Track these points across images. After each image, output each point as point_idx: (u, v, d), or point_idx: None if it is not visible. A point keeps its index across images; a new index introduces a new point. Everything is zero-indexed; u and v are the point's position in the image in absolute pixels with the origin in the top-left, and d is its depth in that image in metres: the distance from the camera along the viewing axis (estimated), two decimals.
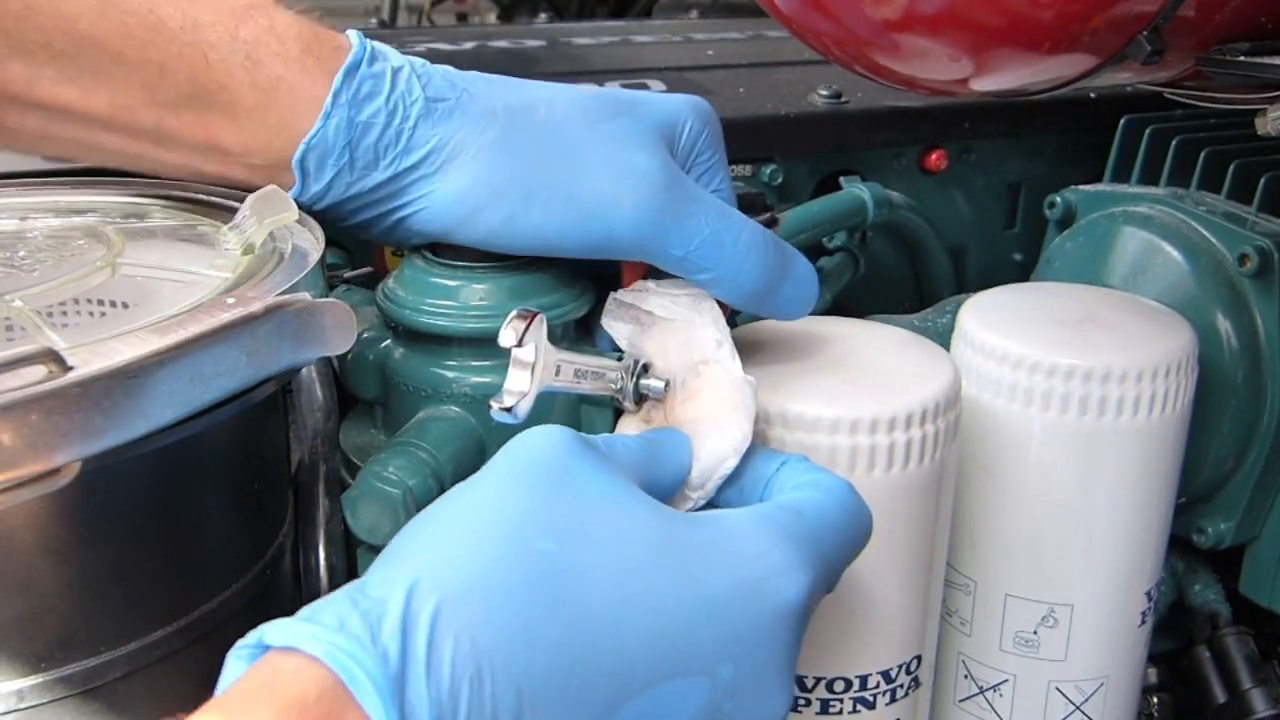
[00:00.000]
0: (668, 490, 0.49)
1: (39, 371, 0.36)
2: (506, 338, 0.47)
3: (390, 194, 0.53)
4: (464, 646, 0.35)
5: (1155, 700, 0.85)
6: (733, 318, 0.61)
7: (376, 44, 0.54)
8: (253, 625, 0.36)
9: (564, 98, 0.55)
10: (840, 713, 0.58)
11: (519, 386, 0.48)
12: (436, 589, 0.36)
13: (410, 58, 0.54)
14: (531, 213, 0.52)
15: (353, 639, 0.34)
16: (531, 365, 0.48)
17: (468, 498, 0.41)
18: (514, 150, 0.52)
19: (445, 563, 0.37)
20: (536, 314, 0.48)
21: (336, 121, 0.51)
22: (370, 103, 0.52)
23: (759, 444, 0.51)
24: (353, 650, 0.34)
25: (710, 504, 0.50)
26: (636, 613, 0.39)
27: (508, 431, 0.56)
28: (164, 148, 0.53)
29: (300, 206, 0.54)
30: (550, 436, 0.43)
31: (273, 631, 0.35)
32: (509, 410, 0.48)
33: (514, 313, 0.48)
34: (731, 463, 0.49)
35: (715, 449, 0.49)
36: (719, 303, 0.54)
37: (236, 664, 0.35)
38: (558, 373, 0.49)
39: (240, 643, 0.35)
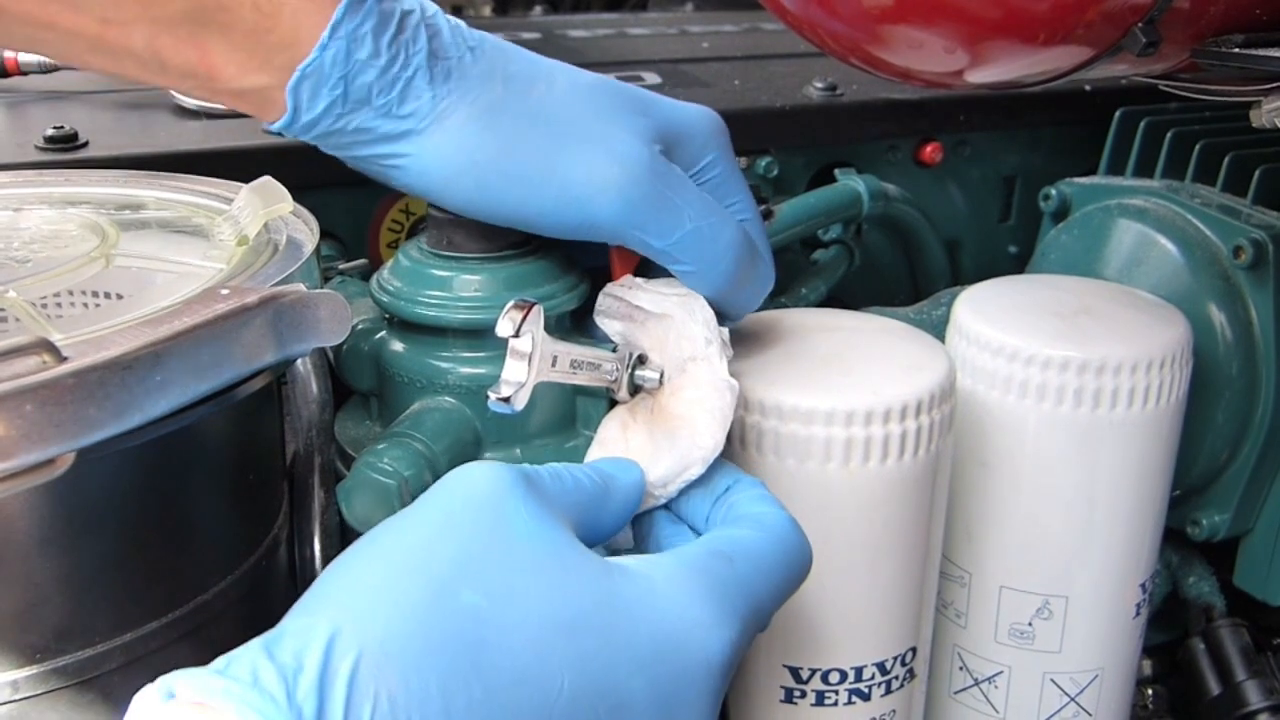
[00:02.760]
0: (613, 527, 0.48)
1: (33, 362, 0.36)
2: (504, 328, 0.47)
3: (375, 139, 0.52)
4: (383, 708, 0.34)
5: (1150, 692, 0.85)
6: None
7: None
8: (248, 617, 0.36)
9: (566, 78, 0.54)
10: (835, 704, 0.58)
11: (516, 377, 0.48)
12: (357, 643, 0.34)
13: (423, 1, 0.53)
14: (509, 188, 0.52)
15: (266, 697, 0.32)
16: (529, 356, 0.48)
17: (397, 539, 0.39)
18: (501, 123, 0.52)
19: (367, 614, 0.36)
20: (534, 304, 0.48)
21: (334, 53, 0.49)
22: (370, 41, 0.50)
23: (720, 457, 0.51)
24: (266, 710, 0.32)
25: (665, 504, 0.51)
26: (561, 672, 0.38)
27: (503, 422, 0.56)
28: (150, 70, 0.51)
29: (287, 134, 0.52)
30: (489, 476, 0.41)
31: (182, 683, 0.33)
32: (506, 400, 0.48)
33: (511, 303, 0.48)
34: (696, 470, 0.49)
35: (685, 454, 0.49)
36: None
37: (144, 707, 0.33)
38: (554, 363, 0.49)
39: (149, 687, 0.33)
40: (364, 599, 0.36)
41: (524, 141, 0.52)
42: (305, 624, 0.35)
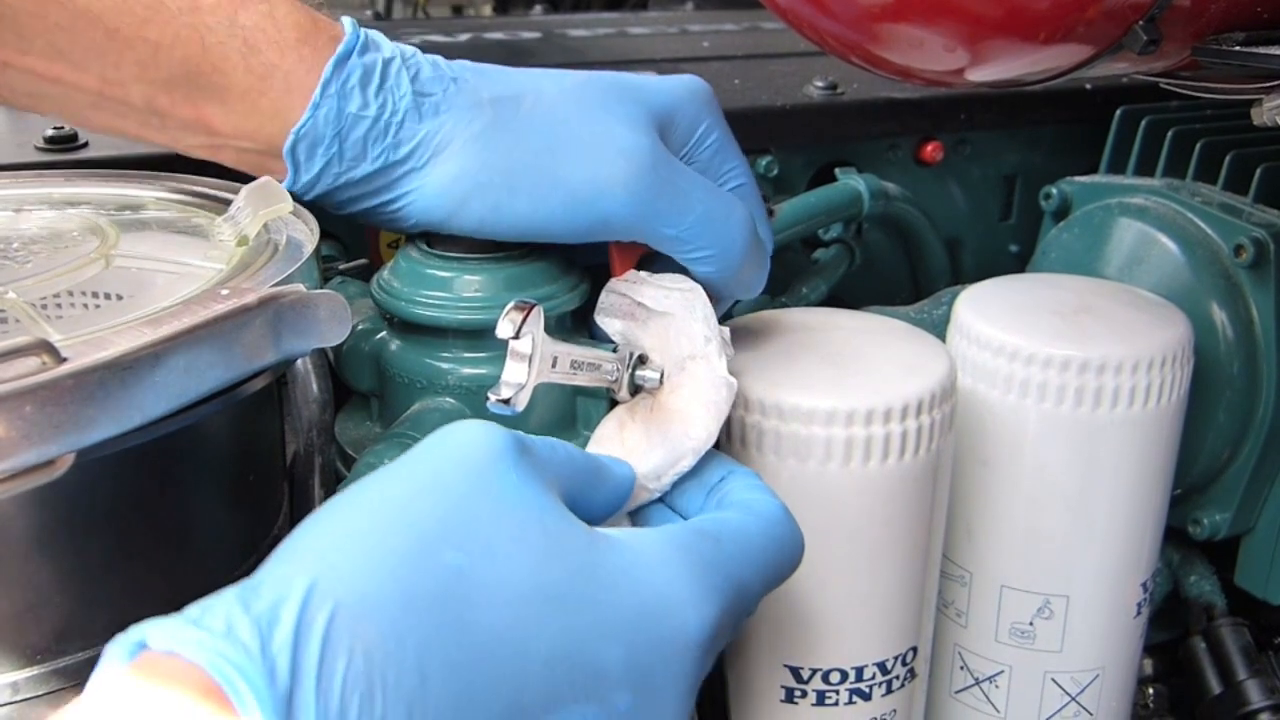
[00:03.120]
0: (601, 512, 0.48)
1: (33, 363, 0.36)
2: (504, 329, 0.47)
3: (379, 186, 0.54)
4: (357, 664, 0.33)
5: (1151, 691, 0.85)
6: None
7: (371, 33, 0.54)
8: None
9: (552, 85, 0.55)
10: (836, 704, 0.58)
11: (516, 378, 0.48)
12: (334, 596, 0.34)
13: (401, 46, 0.54)
14: (518, 201, 0.53)
15: (240, 648, 0.32)
16: (529, 357, 0.48)
17: (382, 491, 0.39)
18: (500, 141, 0.53)
19: (346, 567, 0.35)
20: (534, 305, 0.47)
21: (325, 112, 0.52)
22: (359, 95, 0.52)
23: (713, 451, 0.51)
24: (239, 661, 0.31)
25: (660, 498, 0.50)
26: (539, 636, 0.37)
27: (503, 422, 0.56)
28: (152, 127, 0.53)
29: (293, 196, 0.54)
30: (481, 435, 0.41)
31: (155, 632, 0.32)
32: (507, 402, 0.48)
33: (511, 304, 0.47)
34: (688, 462, 0.49)
35: (677, 446, 0.49)
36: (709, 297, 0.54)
37: (115, 656, 0.33)
38: (554, 364, 0.49)
39: (121, 636, 0.33)
40: (344, 551, 0.36)
41: (524, 155, 0.52)
42: (282, 573, 0.34)
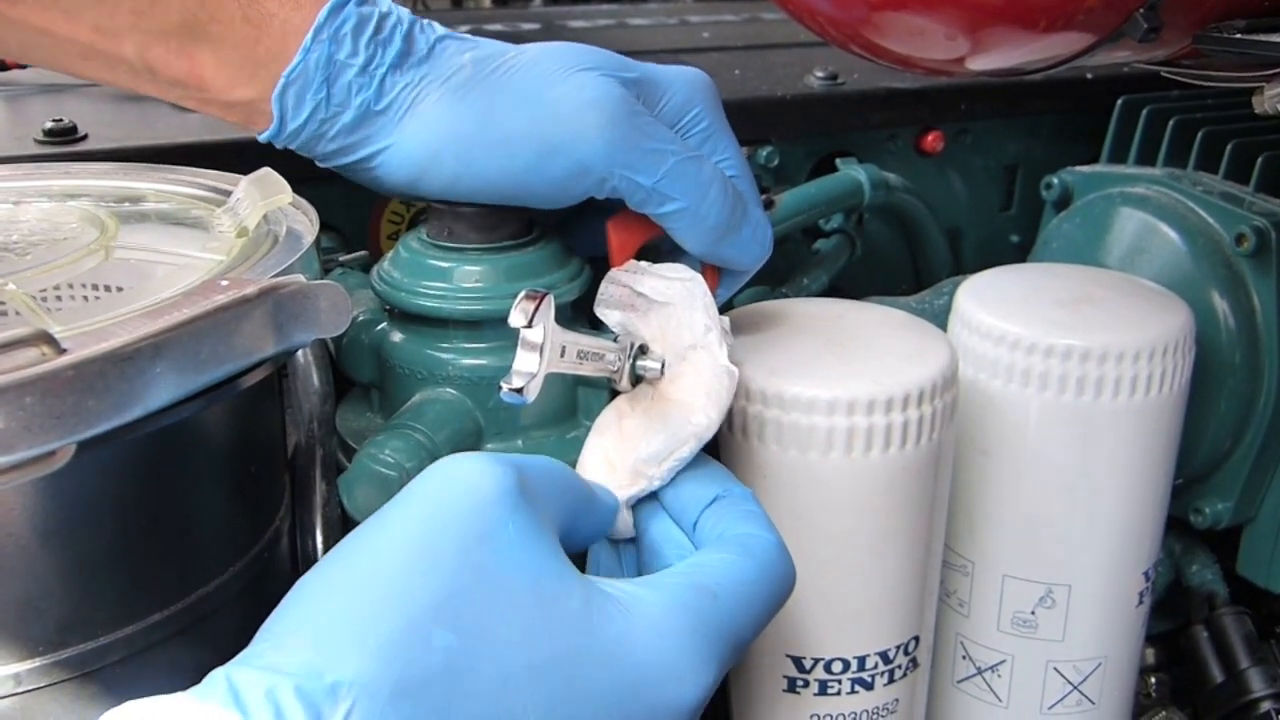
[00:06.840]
0: (586, 541, 0.47)
1: (33, 354, 0.36)
2: (516, 319, 0.47)
3: (359, 140, 0.54)
4: None
5: (1153, 680, 0.85)
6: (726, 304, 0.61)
7: None
8: (250, 609, 0.36)
9: (538, 47, 0.55)
10: (838, 694, 0.58)
11: (528, 368, 0.48)
12: (324, 684, 0.34)
13: (400, 8, 0.55)
14: (491, 155, 0.52)
15: None
16: (540, 346, 0.48)
17: (376, 558, 0.38)
18: (473, 97, 0.53)
19: (336, 653, 0.35)
20: (546, 294, 0.47)
21: (316, 56, 0.52)
22: (350, 42, 0.52)
23: (713, 461, 0.51)
24: None
25: (653, 494, 0.50)
26: (527, 713, 0.37)
27: (504, 413, 0.56)
28: (142, 80, 0.53)
29: (275, 145, 0.54)
30: (479, 478, 0.40)
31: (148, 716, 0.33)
32: (519, 391, 0.47)
33: (523, 293, 0.47)
34: (690, 448, 0.49)
35: (678, 432, 0.49)
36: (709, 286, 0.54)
37: None
38: (563, 354, 0.49)
39: (115, 712, 0.33)
40: (336, 633, 0.36)
41: (498, 106, 0.52)
42: (272, 659, 0.35)
